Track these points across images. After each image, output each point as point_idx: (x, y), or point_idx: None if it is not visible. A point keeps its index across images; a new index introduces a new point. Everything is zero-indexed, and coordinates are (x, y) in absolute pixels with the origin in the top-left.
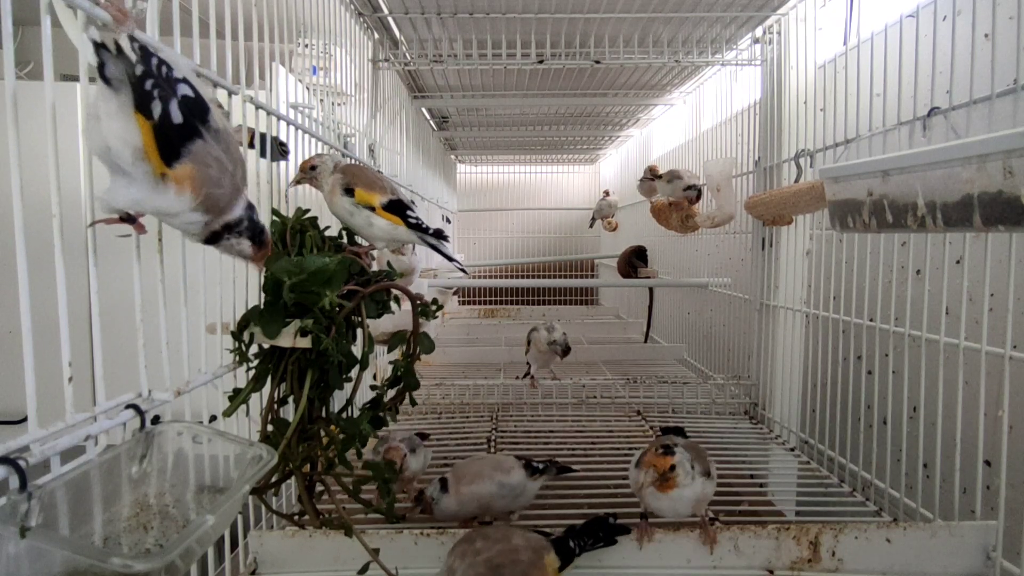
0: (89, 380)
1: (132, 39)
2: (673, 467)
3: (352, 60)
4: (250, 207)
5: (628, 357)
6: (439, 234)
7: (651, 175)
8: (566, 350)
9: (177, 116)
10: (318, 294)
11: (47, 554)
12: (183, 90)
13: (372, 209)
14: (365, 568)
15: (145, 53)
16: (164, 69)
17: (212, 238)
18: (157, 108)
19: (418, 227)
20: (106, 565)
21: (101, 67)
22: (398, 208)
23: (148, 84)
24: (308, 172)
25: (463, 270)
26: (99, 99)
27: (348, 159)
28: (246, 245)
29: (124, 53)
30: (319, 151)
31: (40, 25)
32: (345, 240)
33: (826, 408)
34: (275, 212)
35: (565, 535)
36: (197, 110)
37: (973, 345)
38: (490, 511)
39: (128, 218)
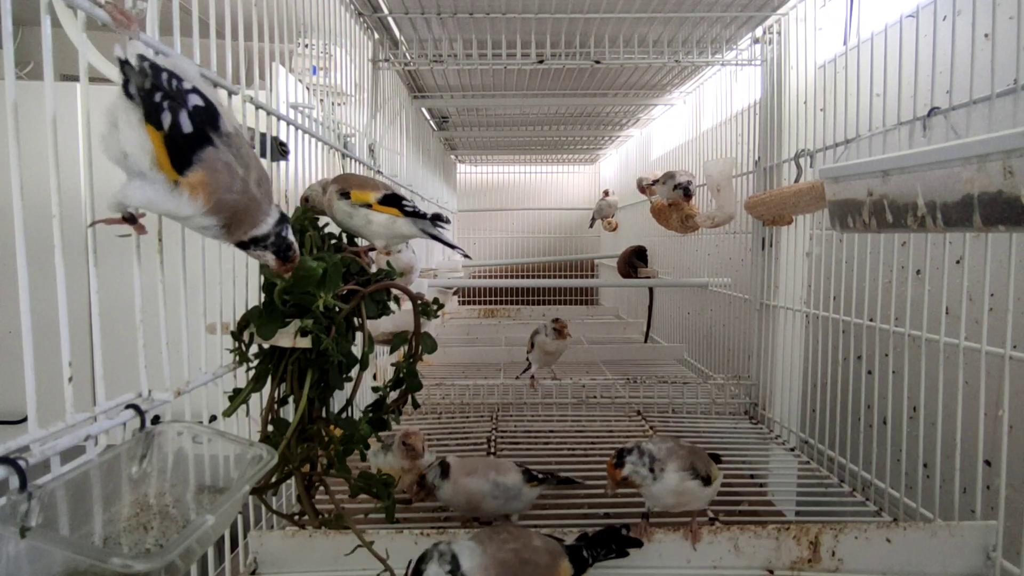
0: (89, 380)
1: (143, 58)
2: (625, 478)
3: (352, 60)
4: (281, 221)
5: (628, 357)
6: (437, 217)
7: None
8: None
9: (187, 126)
10: (313, 295)
11: (47, 554)
12: (194, 100)
13: (369, 206)
14: (353, 551)
15: (155, 69)
16: (174, 82)
17: (240, 246)
18: (167, 119)
19: (415, 214)
20: (106, 565)
21: (125, 83)
22: (394, 200)
23: (157, 96)
24: (306, 205)
25: (466, 255)
26: (118, 110)
27: (348, 159)
28: (270, 259)
29: (143, 68)
30: (319, 151)
31: (40, 25)
32: (345, 241)
33: (826, 408)
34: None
35: (579, 544)
36: (208, 117)
37: (973, 345)
38: (480, 509)
39: (130, 218)
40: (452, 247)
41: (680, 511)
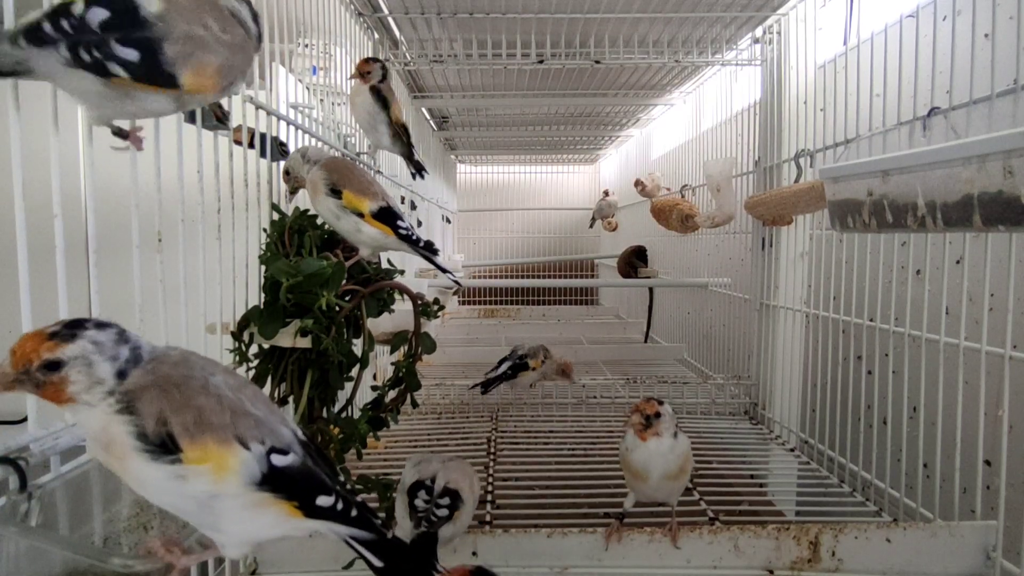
0: None
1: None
2: (658, 414)
3: (352, 60)
4: None
5: (628, 357)
6: (430, 246)
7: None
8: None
9: (131, 54)
10: (316, 295)
11: (47, 554)
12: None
13: (360, 215)
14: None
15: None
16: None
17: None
18: (111, 66)
19: (408, 239)
20: (106, 565)
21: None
22: (389, 217)
23: (82, 53)
24: (287, 179)
25: (456, 282)
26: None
27: (348, 159)
28: None
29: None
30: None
31: None
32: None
33: (826, 408)
34: (275, 208)
35: None
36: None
37: (973, 345)
38: None
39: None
40: (444, 271)
41: (661, 502)
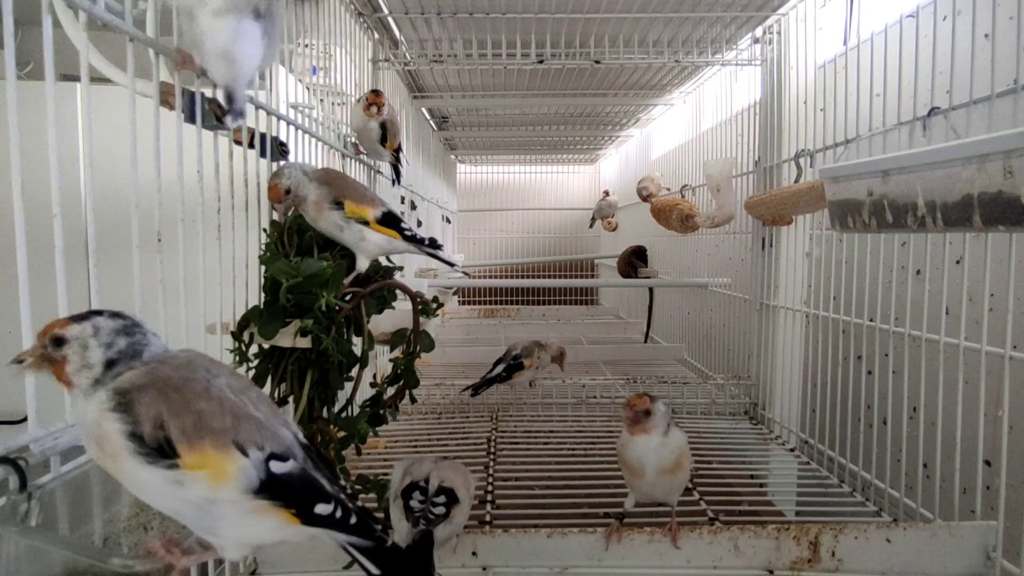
0: None
1: None
2: (648, 411)
3: (352, 60)
4: None
5: (628, 357)
6: (434, 243)
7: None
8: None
9: None
10: (316, 295)
11: (47, 554)
12: None
13: (365, 223)
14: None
15: None
16: None
17: None
18: None
19: (414, 239)
20: (106, 565)
21: None
22: (392, 221)
23: None
24: (285, 198)
25: (465, 273)
26: None
27: (348, 159)
28: None
29: None
30: (319, 151)
31: (40, 25)
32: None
33: (826, 408)
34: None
35: None
36: None
37: (973, 345)
38: None
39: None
40: (452, 265)
41: (661, 501)
